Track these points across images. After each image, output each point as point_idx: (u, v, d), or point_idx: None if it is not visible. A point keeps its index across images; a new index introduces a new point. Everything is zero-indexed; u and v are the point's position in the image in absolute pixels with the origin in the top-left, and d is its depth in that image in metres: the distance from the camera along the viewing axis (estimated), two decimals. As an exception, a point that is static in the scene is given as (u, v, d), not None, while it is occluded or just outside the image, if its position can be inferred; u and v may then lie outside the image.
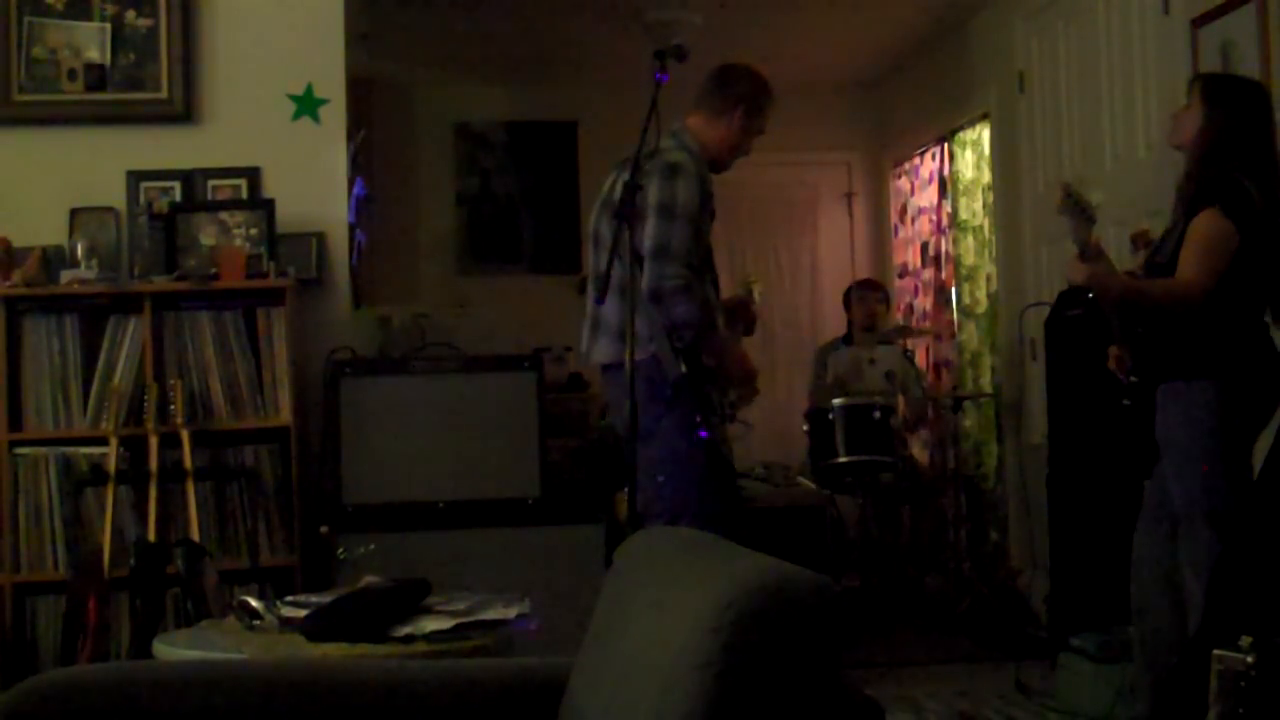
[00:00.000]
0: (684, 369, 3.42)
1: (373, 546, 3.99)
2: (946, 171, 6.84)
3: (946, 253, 6.89)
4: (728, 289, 4.10)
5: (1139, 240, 4.25)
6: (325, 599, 2.77)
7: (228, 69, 4.45)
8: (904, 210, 7.59)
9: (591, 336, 3.72)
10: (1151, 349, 3.39)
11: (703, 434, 3.50)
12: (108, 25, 4.36)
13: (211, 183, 4.41)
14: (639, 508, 3.52)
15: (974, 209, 6.56)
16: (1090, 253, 3.37)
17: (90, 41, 4.36)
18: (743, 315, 4.10)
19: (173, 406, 3.92)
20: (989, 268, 6.36)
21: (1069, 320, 4.47)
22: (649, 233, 3.46)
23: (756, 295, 4.21)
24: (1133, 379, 3.45)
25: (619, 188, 3.60)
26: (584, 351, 3.80)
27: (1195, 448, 3.25)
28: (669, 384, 3.43)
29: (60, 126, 4.36)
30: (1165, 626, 3.39)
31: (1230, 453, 3.25)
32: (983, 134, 6.35)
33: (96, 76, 4.35)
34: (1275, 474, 3.15)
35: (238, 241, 4.25)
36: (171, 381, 3.98)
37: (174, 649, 2.64)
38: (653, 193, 3.48)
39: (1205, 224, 3.23)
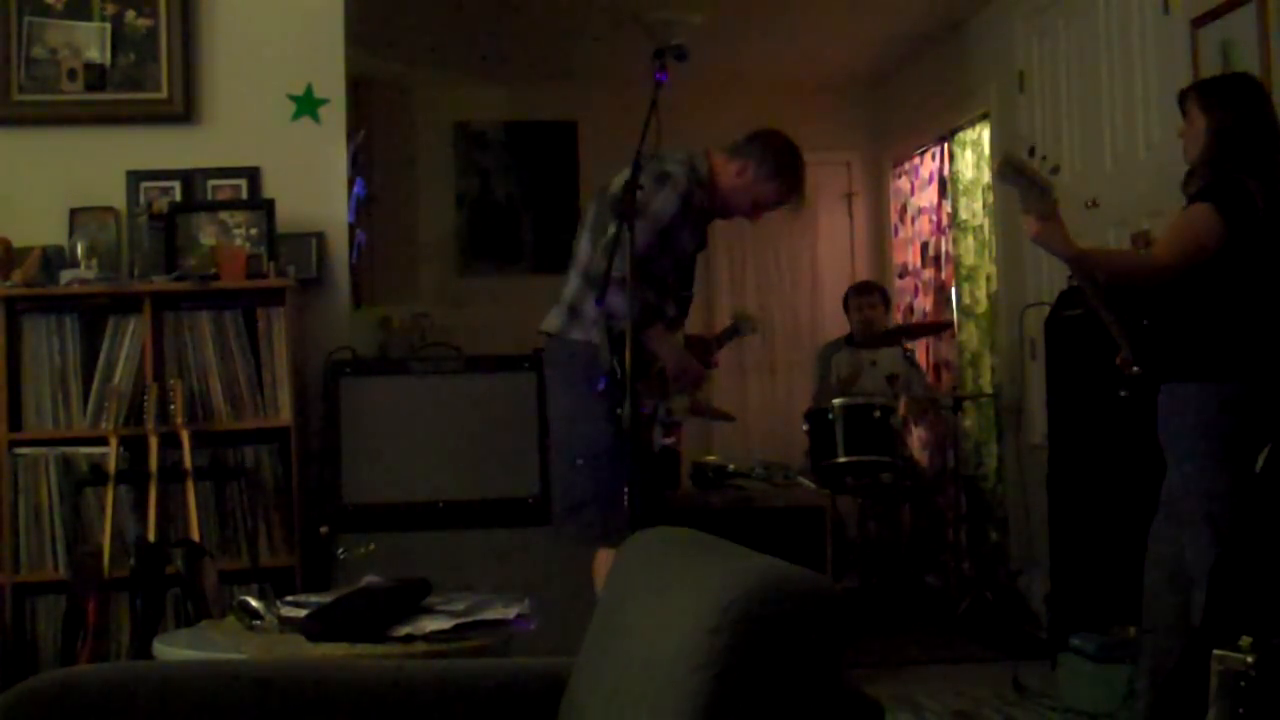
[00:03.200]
0: (615, 366, 3.44)
1: (373, 546, 3.99)
2: (946, 171, 6.84)
3: (946, 253, 6.89)
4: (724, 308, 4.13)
5: (1139, 240, 4.25)
6: (325, 599, 2.77)
7: (228, 69, 4.45)
8: (904, 210, 7.59)
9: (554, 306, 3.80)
10: (1156, 345, 3.37)
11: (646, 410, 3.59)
12: (108, 25, 4.36)
13: (211, 183, 4.41)
14: (556, 490, 3.69)
15: (974, 209, 6.56)
16: (1045, 215, 3.18)
17: (90, 41, 4.36)
18: (699, 353, 4.13)
19: (173, 406, 3.92)
20: (989, 268, 6.36)
21: (1069, 320, 4.47)
22: (613, 225, 3.52)
23: (747, 330, 4.25)
24: (1135, 370, 3.44)
25: (615, 183, 3.69)
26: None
27: (1196, 453, 3.24)
28: (602, 374, 3.46)
29: (60, 126, 4.36)
30: (1169, 626, 3.39)
31: (1231, 456, 3.24)
32: (983, 134, 6.35)
33: (96, 76, 4.35)
34: (1274, 475, 3.15)
35: (238, 241, 4.26)
36: (171, 381, 3.98)
37: (174, 649, 2.64)
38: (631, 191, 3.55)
39: (1192, 213, 3.21)
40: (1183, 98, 3.43)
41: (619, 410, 3.43)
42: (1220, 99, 3.33)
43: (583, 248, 3.74)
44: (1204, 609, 3.12)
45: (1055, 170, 3.27)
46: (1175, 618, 3.35)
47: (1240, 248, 3.20)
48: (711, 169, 3.77)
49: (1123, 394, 3.47)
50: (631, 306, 3.24)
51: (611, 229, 3.52)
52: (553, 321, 3.75)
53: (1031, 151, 3.27)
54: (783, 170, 3.81)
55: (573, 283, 3.74)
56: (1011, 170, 3.19)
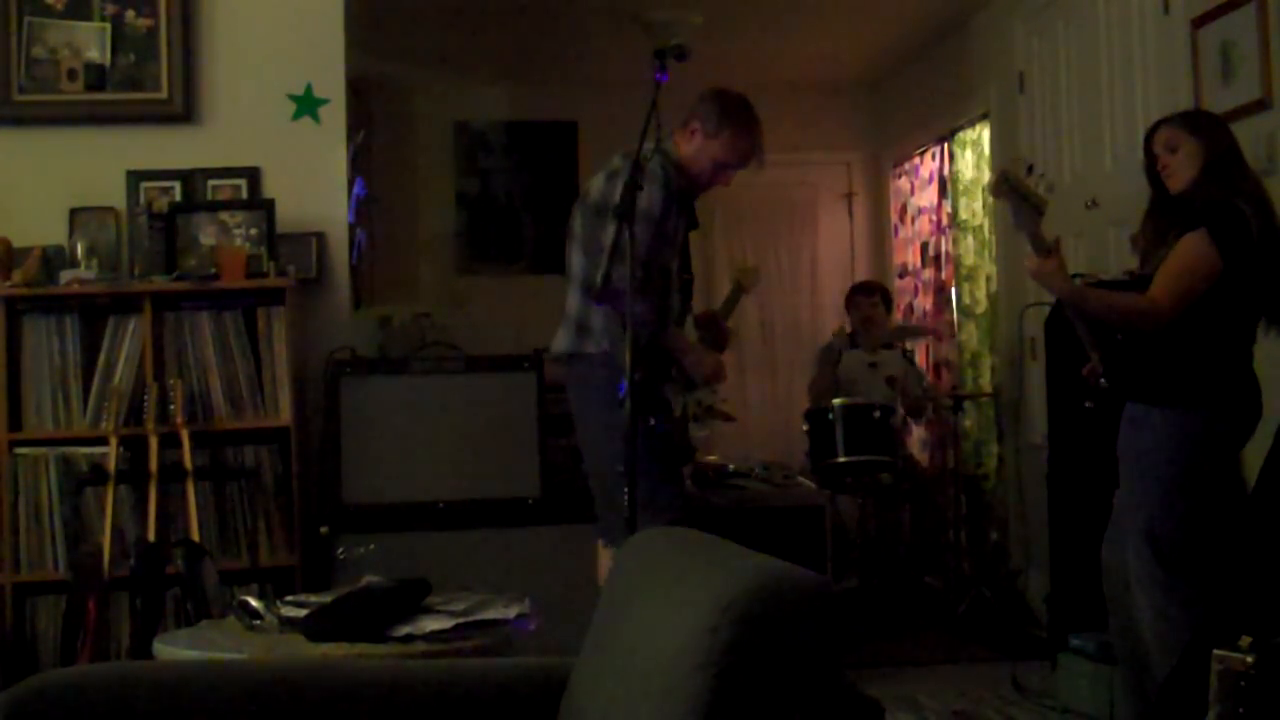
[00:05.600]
0: (636, 378, 3.45)
1: (373, 546, 3.99)
2: (946, 171, 6.84)
3: (946, 253, 6.89)
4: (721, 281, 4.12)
5: (1138, 241, 4.25)
6: (325, 599, 2.77)
7: (228, 69, 4.45)
8: (904, 210, 7.59)
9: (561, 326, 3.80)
10: (1125, 362, 3.38)
11: (660, 428, 3.63)
12: (108, 25, 4.36)
13: (211, 183, 4.41)
14: (602, 502, 3.69)
15: (974, 209, 6.56)
16: (1041, 248, 3.31)
17: (90, 41, 4.36)
18: (712, 330, 4.12)
19: (173, 406, 3.93)
20: (989, 268, 6.36)
21: (1069, 320, 4.46)
22: (608, 232, 3.52)
23: (748, 284, 4.20)
24: (1102, 383, 3.45)
25: (594, 189, 3.71)
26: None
27: (1149, 473, 3.26)
28: (623, 381, 3.47)
29: (60, 126, 4.36)
30: (1135, 630, 3.41)
31: (1185, 485, 3.24)
32: (983, 134, 6.35)
33: (96, 76, 4.35)
34: (1274, 475, 3.15)
35: (238, 241, 4.26)
36: (171, 381, 3.98)
37: (174, 649, 2.64)
38: (619, 194, 3.54)
39: (1189, 247, 3.20)
40: (1160, 130, 3.40)
41: (651, 420, 3.55)
42: (1210, 127, 3.35)
43: (576, 262, 3.74)
44: (1203, 609, 3.13)
45: (1051, 188, 3.29)
46: (1135, 621, 3.37)
47: (1233, 278, 3.19)
48: (675, 148, 3.76)
49: (1088, 405, 3.49)
50: (630, 313, 3.23)
51: (610, 232, 3.54)
52: (563, 342, 3.75)
53: (1030, 169, 3.29)
54: (726, 120, 3.72)
55: (574, 299, 3.73)
56: (1008, 187, 3.21)
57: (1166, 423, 3.24)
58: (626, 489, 3.22)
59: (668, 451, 3.73)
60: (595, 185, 3.72)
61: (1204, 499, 3.26)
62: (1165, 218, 3.37)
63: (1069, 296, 3.39)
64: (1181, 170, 3.32)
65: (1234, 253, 3.17)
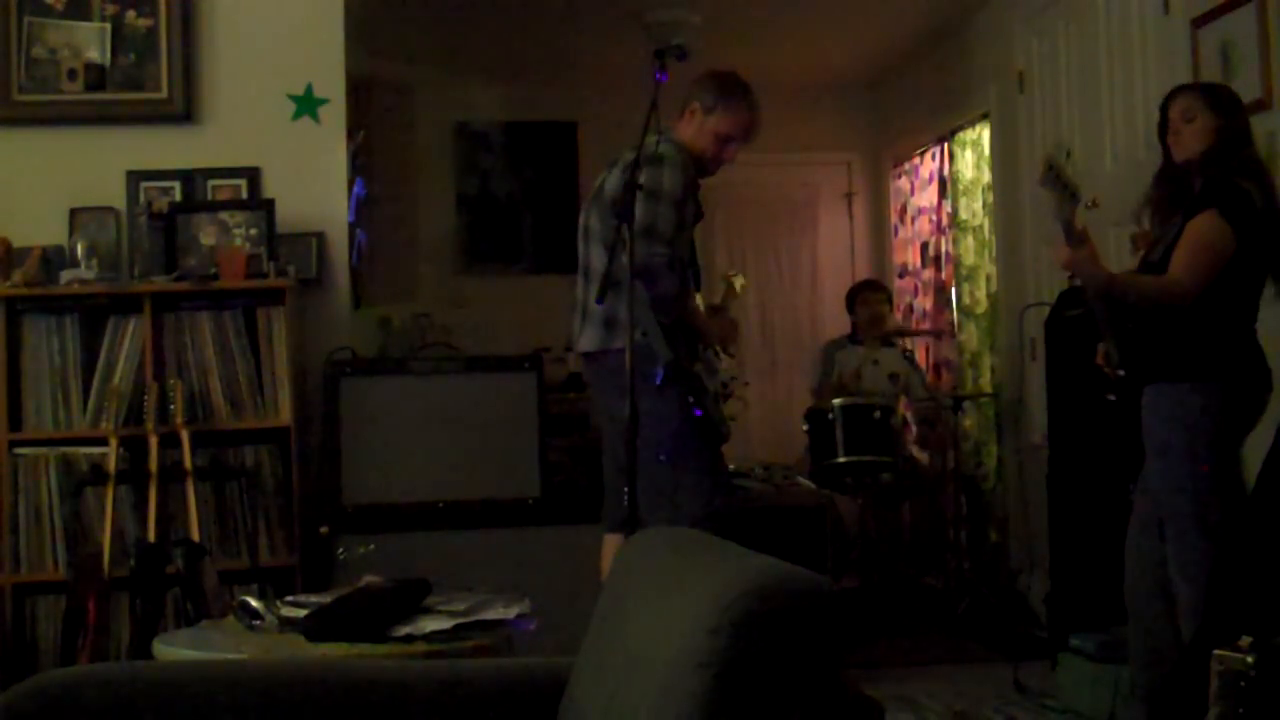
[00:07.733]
0: (673, 355, 3.50)
1: (373, 546, 3.99)
2: (946, 171, 6.84)
3: (946, 253, 6.89)
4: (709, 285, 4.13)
5: (1139, 241, 4.26)
6: (325, 599, 2.77)
7: (228, 69, 4.45)
8: (904, 210, 7.59)
9: (579, 325, 3.77)
10: (1140, 347, 3.40)
11: (697, 412, 3.63)
12: (108, 25, 4.36)
13: (211, 183, 4.41)
14: (643, 491, 3.62)
15: (974, 209, 6.56)
16: (1074, 237, 3.36)
17: (90, 41, 4.36)
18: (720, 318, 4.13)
19: (173, 406, 3.92)
20: (989, 268, 6.36)
21: (1069, 320, 4.47)
22: (637, 214, 3.51)
23: (738, 287, 4.23)
24: (1120, 373, 3.46)
25: (609, 183, 3.69)
26: (572, 340, 3.86)
27: (1182, 451, 3.25)
28: (658, 369, 3.47)
29: (60, 126, 4.36)
30: (1159, 630, 3.39)
31: (1217, 456, 3.25)
32: (983, 134, 6.35)
33: (96, 76, 4.35)
34: (1274, 475, 3.15)
35: (238, 241, 4.26)
36: (171, 381, 3.98)
37: (174, 649, 2.64)
38: (642, 179, 3.54)
39: (1203, 225, 3.24)
40: (1179, 96, 3.43)
41: (690, 399, 3.58)
42: (1228, 104, 3.38)
43: (597, 258, 3.71)
44: (1203, 609, 3.12)
45: (1094, 204, 3.35)
46: (1165, 620, 3.36)
47: (1245, 254, 3.23)
48: (678, 135, 3.76)
49: (1110, 398, 3.50)
50: (634, 305, 3.26)
51: (636, 211, 3.52)
52: (591, 339, 3.71)
53: (1068, 155, 3.34)
54: (723, 93, 3.75)
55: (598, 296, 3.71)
56: (1054, 176, 3.24)
57: (1187, 397, 3.25)
58: (627, 486, 3.22)
59: (712, 436, 3.74)
60: (611, 181, 3.70)
61: (1234, 466, 3.28)
62: (1170, 189, 3.42)
63: (1103, 284, 3.40)
64: (1192, 142, 3.36)
65: (1245, 229, 3.22)
